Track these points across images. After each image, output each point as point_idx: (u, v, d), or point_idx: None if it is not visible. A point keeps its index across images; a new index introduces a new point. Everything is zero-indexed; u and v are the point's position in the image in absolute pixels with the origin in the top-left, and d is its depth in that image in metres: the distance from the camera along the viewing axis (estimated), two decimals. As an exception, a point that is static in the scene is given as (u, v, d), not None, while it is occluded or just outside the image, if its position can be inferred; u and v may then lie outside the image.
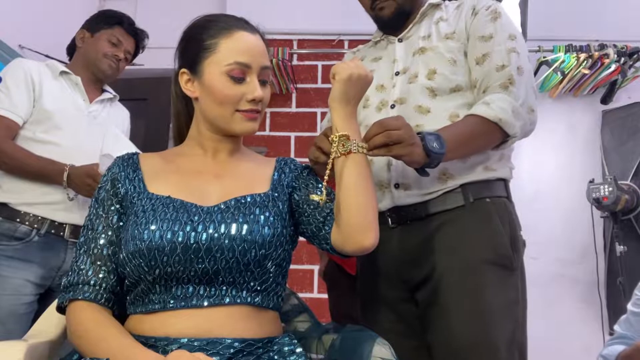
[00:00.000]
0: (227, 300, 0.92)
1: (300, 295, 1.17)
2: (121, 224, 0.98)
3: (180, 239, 0.91)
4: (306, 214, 1.04)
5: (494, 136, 1.19)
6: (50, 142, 1.69)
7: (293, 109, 3.06)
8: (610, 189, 2.51)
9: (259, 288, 0.95)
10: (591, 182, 2.60)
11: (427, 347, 1.22)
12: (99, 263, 0.95)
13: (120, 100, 2.00)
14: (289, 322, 1.10)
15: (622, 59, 2.77)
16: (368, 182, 1.00)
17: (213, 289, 0.92)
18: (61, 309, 0.97)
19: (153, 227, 0.91)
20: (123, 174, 1.01)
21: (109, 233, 0.97)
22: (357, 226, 0.96)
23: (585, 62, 2.79)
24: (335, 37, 3.08)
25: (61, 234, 1.68)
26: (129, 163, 1.03)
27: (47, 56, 2.36)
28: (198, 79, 1.03)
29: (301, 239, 1.08)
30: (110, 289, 0.94)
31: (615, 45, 2.78)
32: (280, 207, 1.02)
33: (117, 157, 1.06)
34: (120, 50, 1.88)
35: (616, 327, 1.53)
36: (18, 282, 1.61)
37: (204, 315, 0.91)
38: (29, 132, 1.69)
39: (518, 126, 1.18)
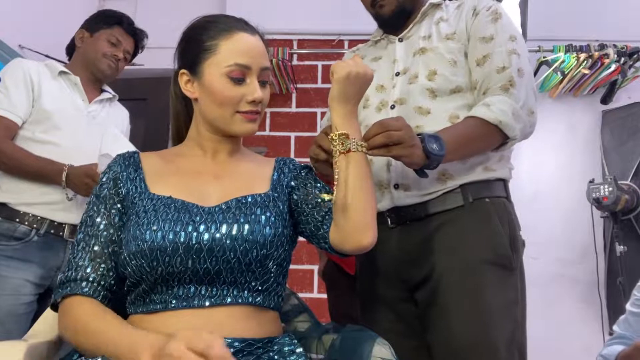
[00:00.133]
0: (229, 300, 0.92)
1: (300, 295, 1.17)
2: (121, 223, 0.97)
3: (182, 240, 0.91)
4: (305, 214, 1.04)
5: (494, 138, 1.19)
6: (49, 142, 1.69)
7: (293, 109, 3.06)
8: (610, 189, 2.51)
9: (260, 288, 0.95)
10: (591, 182, 2.60)
11: (427, 347, 1.22)
12: (98, 260, 0.94)
13: (120, 100, 2.00)
14: (289, 322, 1.10)
15: (622, 59, 2.77)
16: (367, 181, 1.00)
17: (214, 289, 0.92)
18: (54, 307, 0.96)
19: (155, 228, 0.91)
20: (125, 173, 1.01)
21: (111, 231, 0.96)
22: (355, 225, 0.96)
23: (585, 62, 2.79)
24: (335, 37, 3.08)
25: (60, 233, 1.68)
26: (130, 162, 1.03)
27: (47, 56, 2.36)
28: (198, 80, 1.03)
29: (301, 239, 1.08)
30: (108, 286, 0.94)
31: (615, 45, 2.78)
32: (281, 207, 1.02)
33: (118, 156, 1.05)
34: (119, 50, 1.88)
35: (615, 328, 1.53)
36: (17, 282, 1.61)
37: (205, 315, 0.91)
38: (28, 132, 1.69)
39: (518, 128, 1.18)
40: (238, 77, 1.00)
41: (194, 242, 0.91)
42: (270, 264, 0.96)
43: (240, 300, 0.93)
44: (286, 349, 0.91)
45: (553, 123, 2.97)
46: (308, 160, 1.15)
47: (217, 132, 1.05)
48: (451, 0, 1.40)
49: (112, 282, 0.95)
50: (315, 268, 2.75)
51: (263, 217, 0.97)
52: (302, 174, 1.10)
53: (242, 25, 1.04)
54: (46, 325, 1.06)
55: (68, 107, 1.76)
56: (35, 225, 1.65)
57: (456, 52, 1.28)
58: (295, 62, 3.05)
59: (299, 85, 3.07)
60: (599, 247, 2.78)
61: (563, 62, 2.81)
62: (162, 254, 0.90)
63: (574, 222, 2.86)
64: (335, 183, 1.00)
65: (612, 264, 2.67)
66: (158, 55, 2.35)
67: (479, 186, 1.24)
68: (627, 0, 3.00)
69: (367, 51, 1.47)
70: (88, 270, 0.93)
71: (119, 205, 0.98)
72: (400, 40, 1.38)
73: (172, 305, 0.91)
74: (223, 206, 0.97)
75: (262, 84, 1.03)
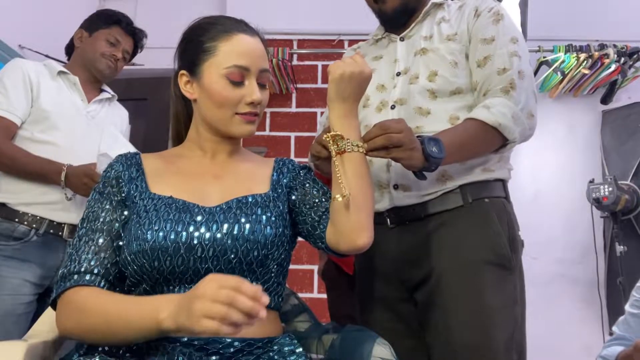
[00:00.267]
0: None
1: (300, 295, 1.17)
2: (125, 220, 0.97)
3: (183, 240, 0.91)
4: (302, 214, 1.05)
5: (493, 141, 1.19)
6: (48, 142, 1.69)
7: (293, 109, 3.07)
8: (610, 189, 2.51)
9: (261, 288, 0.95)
10: (591, 182, 2.60)
11: (426, 347, 1.22)
12: (102, 254, 0.93)
13: (120, 100, 2.00)
14: (289, 322, 1.10)
15: (622, 59, 2.77)
16: (363, 181, 1.00)
17: None
18: (54, 303, 0.94)
19: (156, 228, 0.91)
20: (127, 172, 1.01)
21: (116, 225, 0.96)
22: (351, 225, 0.96)
23: (585, 62, 2.79)
24: (335, 37, 3.08)
25: (60, 233, 1.68)
26: (132, 162, 1.03)
27: (47, 56, 2.36)
28: (197, 81, 1.03)
29: (301, 238, 1.09)
30: (111, 281, 0.94)
31: (615, 45, 2.78)
32: (281, 207, 1.03)
33: (120, 156, 1.05)
34: (118, 50, 1.88)
35: (614, 329, 1.53)
36: (17, 282, 1.60)
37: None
38: (27, 132, 1.69)
39: (517, 131, 1.18)
40: (237, 79, 1.00)
41: (195, 242, 0.91)
42: (271, 263, 0.96)
43: None
44: (286, 349, 0.91)
45: (553, 123, 2.98)
46: (309, 156, 1.15)
47: (217, 133, 1.05)
48: (453, 0, 1.40)
49: (113, 279, 0.94)
50: (315, 268, 2.75)
51: (264, 217, 0.97)
52: (301, 174, 1.10)
53: (241, 26, 1.04)
54: (46, 325, 1.06)
55: (67, 107, 1.76)
56: (34, 225, 1.65)
57: (457, 53, 1.28)
58: (295, 62, 3.06)
59: (299, 85, 3.07)
60: (599, 247, 2.78)
61: (563, 62, 2.81)
62: (164, 254, 0.90)
63: (574, 222, 2.86)
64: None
65: (612, 264, 2.67)
66: (158, 55, 2.35)
67: (478, 186, 1.24)
68: (627, 0, 3.00)
69: (368, 49, 1.46)
70: (92, 262, 0.92)
71: (122, 203, 0.98)
72: (402, 39, 1.38)
73: None
74: (224, 206, 0.97)
75: (261, 86, 1.03)
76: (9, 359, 0.91)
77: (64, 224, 1.69)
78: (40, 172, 1.63)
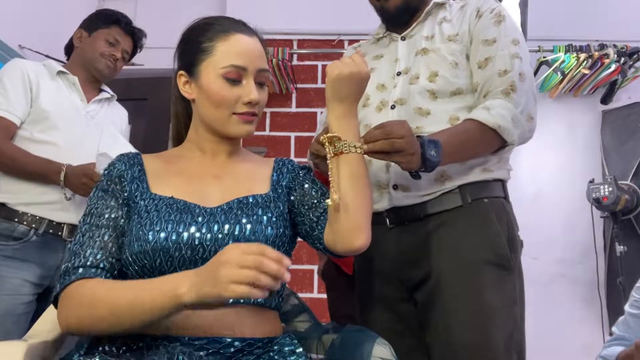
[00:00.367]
0: (230, 300, 0.92)
1: (300, 295, 1.17)
2: (128, 219, 0.97)
3: (184, 240, 0.91)
4: (301, 214, 1.05)
5: (492, 142, 1.19)
6: (47, 142, 1.69)
7: (293, 109, 3.06)
8: (610, 189, 2.51)
9: None
10: (591, 182, 2.60)
11: (426, 347, 1.22)
12: (108, 250, 0.93)
13: (120, 100, 2.00)
14: (289, 322, 1.10)
15: (622, 59, 2.77)
16: (361, 182, 1.00)
17: None
18: (56, 301, 0.92)
19: (157, 228, 0.91)
20: (129, 172, 1.00)
21: (121, 222, 0.95)
22: (348, 226, 0.96)
23: (585, 62, 2.79)
24: (335, 37, 3.08)
25: (59, 233, 1.68)
26: (134, 162, 1.03)
27: (47, 56, 2.36)
28: (195, 81, 1.03)
29: (300, 239, 1.08)
30: (115, 277, 0.93)
31: (615, 45, 2.78)
32: (281, 207, 1.03)
33: (122, 155, 1.05)
34: (117, 50, 1.88)
35: (614, 329, 1.53)
36: (16, 282, 1.60)
37: (206, 314, 0.90)
38: (26, 132, 1.69)
39: (516, 134, 1.19)
40: (234, 78, 1.00)
41: (196, 242, 0.91)
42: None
43: (242, 301, 0.93)
44: (286, 349, 0.91)
45: (553, 123, 2.97)
46: (307, 158, 1.15)
47: (215, 133, 1.05)
48: (455, 0, 1.40)
49: (116, 275, 0.94)
50: (315, 268, 2.75)
51: (265, 217, 0.97)
52: (300, 174, 1.10)
53: (239, 26, 1.04)
54: (46, 325, 1.06)
55: (66, 107, 1.76)
56: (34, 225, 1.65)
57: (458, 54, 1.28)
58: (295, 62, 3.05)
59: (299, 85, 3.07)
60: (599, 247, 2.78)
61: (563, 62, 2.81)
62: (165, 254, 0.90)
63: (574, 222, 2.86)
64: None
65: (612, 264, 2.67)
66: (158, 55, 2.35)
67: (478, 186, 1.24)
68: (627, 0, 3.00)
69: (369, 48, 1.46)
70: (98, 257, 0.92)
71: (125, 202, 0.98)
72: (403, 38, 1.38)
73: None
74: (225, 206, 0.97)
75: (260, 85, 1.03)
76: (9, 359, 0.91)
77: (64, 223, 1.69)
78: (40, 172, 1.63)
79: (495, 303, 1.16)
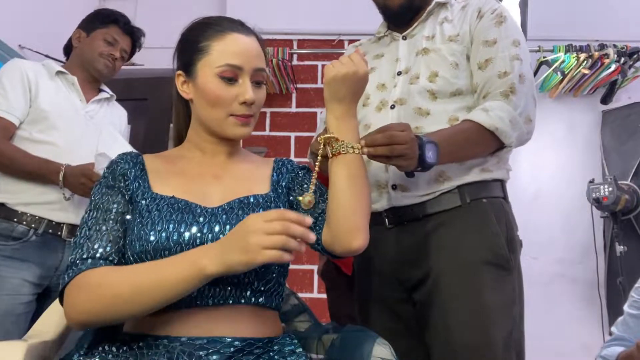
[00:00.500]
0: (231, 301, 0.92)
1: (300, 295, 1.17)
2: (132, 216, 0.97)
3: (186, 240, 0.91)
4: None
5: (490, 144, 1.19)
6: (46, 142, 1.68)
7: (293, 109, 3.07)
8: (610, 189, 2.51)
9: (262, 288, 0.95)
10: (591, 182, 2.60)
11: (425, 347, 1.22)
12: (117, 244, 0.92)
13: (120, 100, 2.00)
14: (289, 322, 1.10)
15: (622, 59, 2.77)
16: (359, 183, 1.00)
17: (218, 289, 0.92)
18: (61, 295, 0.91)
19: (159, 228, 0.91)
20: (133, 170, 1.00)
21: (127, 217, 0.95)
22: (345, 227, 0.96)
23: (585, 62, 2.79)
24: (335, 37, 3.08)
25: (59, 233, 1.68)
26: (136, 161, 1.03)
27: (47, 56, 2.36)
28: (192, 81, 1.03)
29: (300, 239, 1.08)
30: None
31: (615, 45, 2.78)
32: (281, 207, 1.02)
33: (124, 154, 1.04)
34: (116, 49, 1.88)
35: (613, 329, 1.53)
36: (16, 282, 1.60)
37: (206, 314, 0.91)
38: (25, 132, 1.68)
39: (514, 136, 1.19)
40: (229, 77, 0.99)
41: (198, 242, 0.91)
42: (273, 264, 0.96)
43: (243, 301, 0.93)
44: (286, 349, 0.91)
45: (553, 123, 2.98)
46: (308, 160, 1.15)
47: (213, 134, 1.05)
48: (456, 0, 1.39)
49: None
50: (315, 268, 2.75)
51: None
52: (300, 175, 1.10)
53: (236, 26, 1.03)
54: (46, 325, 1.06)
55: (65, 107, 1.76)
56: (33, 225, 1.64)
57: (458, 55, 1.27)
58: (295, 62, 3.06)
59: (299, 85, 3.07)
60: (599, 247, 2.78)
61: (563, 62, 2.81)
62: (167, 254, 0.90)
63: (574, 222, 2.86)
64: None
65: (612, 264, 2.67)
66: (158, 55, 2.34)
67: (477, 187, 1.24)
68: (627, 0, 3.00)
69: (370, 47, 1.46)
70: (108, 249, 0.91)
71: (129, 199, 0.97)
72: (404, 38, 1.38)
73: (176, 304, 0.90)
74: (226, 206, 0.97)
75: (257, 84, 1.02)
76: (9, 359, 0.91)
77: (63, 223, 1.69)
78: (39, 172, 1.63)
79: (495, 303, 1.16)
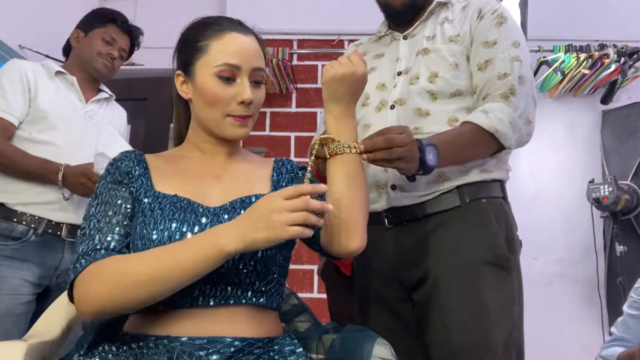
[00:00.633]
0: (232, 301, 0.92)
1: (300, 295, 1.17)
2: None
3: None
4: None
5: (489, 146, 1.19)
6: (46, 142, 1.68)
7: (293, 109, 3.07)
8: (610, 189, 2.51)
9: (263, 289, 0.95)
10: (591, 182, 2.60)
11: (424, 347, 1.22)
12: (126, 238, 0.92)
13: (120, 100, 2.00)
14: (289, 322, 1.10)
15: (622, 59, 2.77)
16: (357, 183, 1.00)
17: (219, 289, 0.92)
18: (70, 291, 0.90)
19: (162, 227, 0.91)
20: (137, 168, 1.00)
21: (136, 213, 0.95)
22: (342, 229, 0.96)
23: (585, 62, 2.79)
24: (335, 37, 3.08)
25: (58, 233, 1.68)
26: (139, 160, 1.02)
27: (47, 56, 2.36)
28: (191, 81, 1.02)
29: (300, 239, 1.08)
30: None
31: (615, 45, 2.78)
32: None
33: (127, 152, 1.04)
34: (114, 49, 1.87)
35: (613, 330, 1.53)
36: (16, 282, 1.60)
37: (207, 314, 0.91)
38: (24, 133, 1.68)
39: (514, 138, 1.19)
40: (227, 77, 0.99)
41: None
42: (274, 264, 0.96)
43: (244, 301, 0.93)
44: (286, 349, 0.91)
45: (553, 123, 2.98)
46: (308, 160, 1.15)
47: (212, 134, 1.05)
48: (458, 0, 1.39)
49: None
50: (315, 268, 2.75)
51: None
52: (300, 175, 1.10)
53: (235, 26, 1.03)
54: (46, 325, 1.06)
55: (65, 107, 1.76)
56: (33, 225, 1.64)
57: (458, 55, 1.27)
58: (295, 62, 3.06)
59: (299, 85, 3.07)
60: (599, 247, 2.78)
61: (563, 62, 2.81)
62: None
63: (574, 222, 2.86)
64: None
65: (612, 264, 2.67)
66: (158, 55, 2.35)
67: (476, 187, 1.24)
68: (627, 0, 3.00)
69: (370, 47, 1.45)
70: (120, 242, 0.91)
71: (134, 196, 0.97)
72: (405, 37, 1.37)
73: (176, 305, 0.90)
74: (228, 206, 0.97)
75: (255, 84, 1.02)
76: (9, 359, 0.91)
77: (62, 223, 1.69)
78: (38, 172, 1.63)
79: (494, 303, 1.16)
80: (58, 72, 1.80)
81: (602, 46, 2.80)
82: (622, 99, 2.94)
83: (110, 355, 0.88)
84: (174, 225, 0.91)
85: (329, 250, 1.00)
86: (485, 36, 1.26)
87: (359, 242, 0.97)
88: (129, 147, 1.71)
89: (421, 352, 1.22)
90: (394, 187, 1.25)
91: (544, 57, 2.84)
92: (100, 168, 1.57)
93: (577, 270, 2.82)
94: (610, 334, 1.56)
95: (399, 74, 1.32)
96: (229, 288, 0.92)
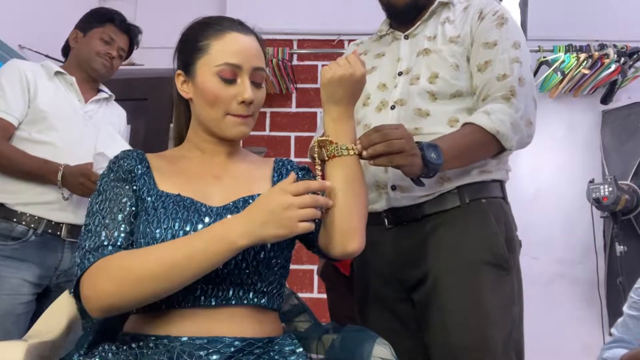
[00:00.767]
0: (234, 301, 0.92)
1: (300, 295, 1.17)
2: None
3: None
4: None
5: (491, 147, 1.19)
6: (45, 143, 1.68)
7: (293, 109, 3.07)
8: (610, 189, 2.51)
9: (265, 290, 0.95)
10: (591, 182, 2.60)
11: (424, 347, 1.22)
12: (132, 235, 0.92)
13: (120, 100, 2.00)
14: (289, 322, 1.10)
15: (622, 59, 2.77)
16: (356, 185, 0.99)
17: (221, 289, 0.92)
18: (76, 289, 0.89)
19: (165, 226, 0.91)
20: (139, 167, 1.00)
21: (139, 211, 0.95)
22: (341, 230, 0.96)
23: (585, 62, 2.79)
24: (335, 37, 3.08)
25: (58, 233, 1.68)
26: (141, 158, 1.02)
27: (47, 56, 2.36)
28: (192, 80, 1.02)
29: (299, 239, 1.09)
30: None
31: (615, 45, 2.78)
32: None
33: (129, 151, 1.04)
34: (113, 48, 1.87)
35: (613, 331, 1.53)
36: (15, 282, 1.60)
37: (207, 314, 0.91)
38: (24, 133, 1.68)
39: (515, 140, 1.18)
40: (228, 77, 0.99)
41: None
42: (276, 265, 0.97)
43: (245, 302, 0.93)
44: (286, 349, 0.91)
45: (553, 123, 2.98)
46: (308, 160, 1.15)
47: (212, 134, 1.04)
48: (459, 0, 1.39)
49: None
50: (315, 268, 2.75)
51: None
52: (300, 175, 1.10)
53: (235, 25, 1.03)
54: (46, 325, 1.06)
55: (64, 108, 1.76)
56: (32, 225, 1.64)
57: (459, 56, 1.27)
58: (295, 62, 3.06)
59: (299, 85, 3.07)
60: (599, 247, 2.78)
61: (563, 62, 2.81)
62: None
63: (574, 222, 2.86)
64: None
65: (612, 264, 2.67)
66: (158, 55, 2.35)
67: (476, 187, 1.24)
68: (627, 0, 3.00)
69: (371, 46, 1.45)
70: (126, 239, 0.91)
71: (137, 195, 0.97)
72: (406, 37, 1.37)
73: (178, 304, 0.90)
74: (231, 206, 0.97)
75: (255, 84, 1.02)
76: (9, 359, 0.91)
77: (62, 223, 1.69)
78: (38, 172, 1.63)
79: (494, 303, 1.16)
80: (57, 73, 1.80)
81: (602, 46, 2.80)
82: (622, 99, 2.94)
83: (110, 355, 0.88)
84: (177, 224, 0.91)
85: (328, 252, 1.00)
86: (486, 37, 1.26)
87: (357, 244, 0.97)
88: (128, 147, 1.71)
89: (421, 352, 1.22)
90: (394, 188, 1.25)
91: (544, 57, 2.84)
92: (99, 168, 1.56)
93: (577, 270, 2.83)
94: (610, 334, 1.56)
95: (400, 74, 1.32)
96: (230, 288, 0.92)
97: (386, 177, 1.26)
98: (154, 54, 2.41)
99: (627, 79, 2.89)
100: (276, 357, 0.89)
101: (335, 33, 3.07)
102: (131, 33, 1.93)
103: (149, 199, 0.95)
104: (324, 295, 1.81)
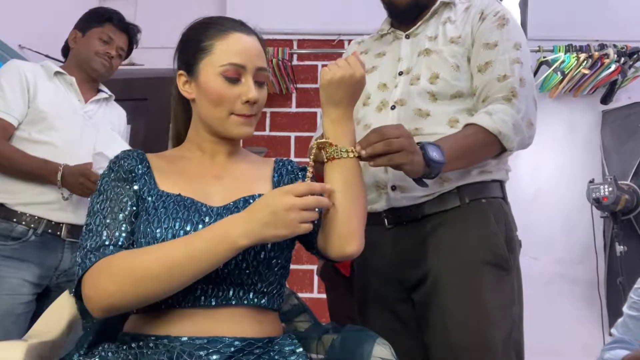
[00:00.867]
0: (234, 302, 0.92)
1: (300, 295, 1.17)
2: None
3: None
4: None
5: (492, 148, 1.18)
6: (45, 143, 1.68)
7: (293, 109, 3.07)
8: (610, 189, 2.51)
9: (265, 290, 0.96)
10: (591, 182, 2.60)
11: (424, 347, 1.22)
12: (132, 235, 0.92)
13: (120, 101, 2.00)
14: (289, 322, 1.10)
15: (622, 59, 2.77)
16: (355, 187, 0.99)
17: (221, 290, 0.92)
18: (77, 290, 0.89)
19: (165, 226, 0.91)
20: (140, 167, 1.00)
21: (134, 208, 0.95)
22: (340, 233, 0.96)
23: (585, 62, 2.79)
24: (335, 37, 3.08)
25: (58, 233, 1.68)
26: (142, 158, 1.02)
27: (47, 56, 2.36)
28: (194, 80, 1.02)
29: (299, 240, 1.09)
30: None
31: (615, 45, 2.78)
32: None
33: (129, 151, 1.04)
34: (112, 48, 1.87)
35: (613, 331, 1.53)
36: (15, 282, 1.60)
37: (207, 314, 0.91)
38: (24, 133, 1.68)
39: (516, 141, 1.18)
40: (233, 77, 0.99)
41: None
42: (276, 265, 0.97)
43: (245, 302, 0.93)
44: (286, 349, 0.91)
45: (553, 123, 2.98)
46: (308, 160, 1.15)
47: (215, 133, 1.04)
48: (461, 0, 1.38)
49: None
50: (315, 268, 2.75)
51: None
52: (299, 176, 1.10)
53: (238, 26, 1.03)
54: (46, 325, 1.06)
55: (64, 108, 1.76)
56: (32, 225, 1.64)
57: (459, 57, 1.27)
58: (295, 62, 3.06)
59: (299, 85, 3.07)
60: (599, 247, 2.78)
61: (563, 62, 2.81)
62: None
63: (574, 222, 2.86)
64: None
65: (612, 264, 2.67)
66: (158, 55, 2.35)
67: (476, 187, 1.24)
68: (627, 0, 3.00)
69: (372, 45, 1.45)
70: (127, 239, 0.91)
71: (138, 195, 0.97)
72: (407, 37, 1.37)
73: (178, 305, 0.90)
74: (231, 206, 0.97)
75: (258, 84, 1.02)
76: (9, 359, 0.91)
77: (62, 223, 1.69)
78: (37, 172, 1.63)
79: (494, 303, 1.16)
80: (57, 73, 1.80)
81: (602, 46, 2.80)
82: (622, 99, 2.94)
83: (110, 355, 0.88)
84: (177, 224, 0.91)
85: (326, 254, 1.00)
86: (487, 38, 1.25)
87: (355, 246, 0.97)
88: (127, 147, 1.71)
89: (421, 352, 1.22)
90: (394, 188, 1.25)
91: (544, 57, 2.84)
92: (99, 168, 1.57)
93: (577, 270, 2.83)
94: (610, 334, 1.56)
95: (400, 74, 1.32)
96: (231, 289, 0.92)
97: (386, 177, 1.26)
98: (154, 54, 2.41)
99: (627, 79, 2.89)
100: (276, 357, 0.89)
101: (335, 33, 3.07)
102: (130, 32, 1.93)
103: (150, 198, 0.95)
104: (324, 295, 1.81)
